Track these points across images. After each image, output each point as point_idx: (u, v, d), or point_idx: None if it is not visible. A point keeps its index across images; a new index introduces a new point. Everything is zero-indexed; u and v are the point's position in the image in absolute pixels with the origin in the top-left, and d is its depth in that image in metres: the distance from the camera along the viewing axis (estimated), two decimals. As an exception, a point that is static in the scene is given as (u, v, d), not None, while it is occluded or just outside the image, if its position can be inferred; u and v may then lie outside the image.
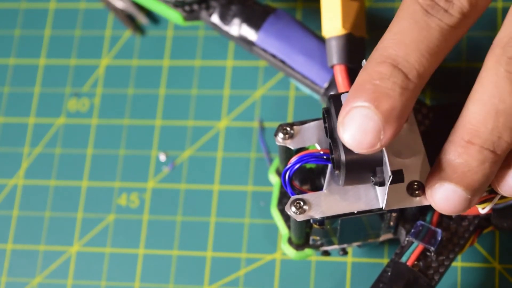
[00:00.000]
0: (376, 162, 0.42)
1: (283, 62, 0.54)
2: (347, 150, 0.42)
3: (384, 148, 0.42)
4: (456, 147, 0.42)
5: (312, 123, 0.47)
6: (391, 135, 0.40)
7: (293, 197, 0.45)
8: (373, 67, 0.41)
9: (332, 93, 0.48)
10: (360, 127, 0.40)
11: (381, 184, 0.43)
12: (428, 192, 0.43)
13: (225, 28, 0.55)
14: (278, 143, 0.47)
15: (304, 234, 0.50)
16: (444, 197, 0.42)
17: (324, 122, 0.45)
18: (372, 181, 0.43)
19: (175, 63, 0.61)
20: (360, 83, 0.41)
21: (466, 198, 0.42)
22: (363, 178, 0.43)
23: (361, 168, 0.43)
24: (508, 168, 0.43)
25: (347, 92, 0.44)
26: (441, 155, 0.43)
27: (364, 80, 0.41)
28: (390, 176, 0.41)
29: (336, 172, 0.44)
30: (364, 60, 0.44)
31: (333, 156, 0.44)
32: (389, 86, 0.40)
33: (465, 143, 0.41)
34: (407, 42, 0.41)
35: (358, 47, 0.51)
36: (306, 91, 0.55)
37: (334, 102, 0.44)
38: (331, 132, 0.44)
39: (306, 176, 0.49)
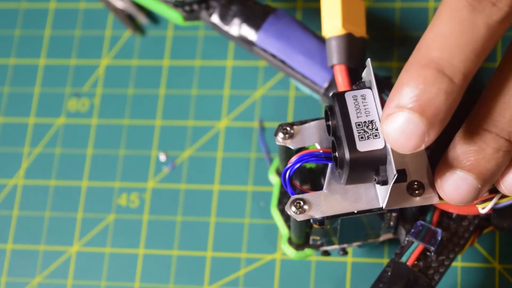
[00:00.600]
0: (380, 160, 0.42)
1: (283, 62, 0.54)
2: (352, 149, 0.42)
3: (389, 147, 0.42)
4: (471, 134, 0.41)
5: (312, 123, 0.47)
6: (436, 135, 0.40)
7: (293, 197, 0.45)
8: (417, 70, 0.40)
9: (333, 92, 0.48)
10: (404, 131, 0.40)
11: (384, 183, 0.43)
12: (438, 181, 0.43)
13: (225, 28, 0.55)
14: (278, 143, 0.47)
15: (304, 234, 0.50)
16: (454, 185, 0.42)
17: (327, 120, 0.45)
18: (375, 180, 0.43)
19: (175, 63, 0.61)
20: (402, 84, 0.40)
21: (476, 187, 0.42)
22: (365, 177, 0.43)
23: (365, 167, 0.43)
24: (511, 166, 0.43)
25: (351, 90, 0.44)
26: (455, 143, 0.42)
27: (409, 82, 0.40)
28: (395, 175, 0.41)
29: (338, 171, 0.44)
30: (368, 59, 0.44)
31: (335, 154, 0.44)
32: (434, 92, 0.39)
33: (482, 130, 0.41)
34: (452, 45, 0.40)
35: (358, 47, 0.51)
36: (306, 91, 0.55)
37: (338, 100, 0.43)
38: (334, 130, 0.44)
39: (306, 176, 0.49)
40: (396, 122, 0.40)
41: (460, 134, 0.42)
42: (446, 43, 0.40)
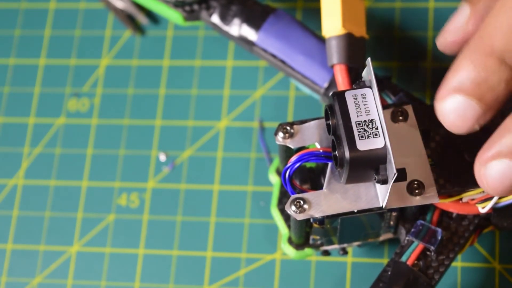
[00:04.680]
0: (380, 160, 0.42)
1: (283, 62, 0.54)
2: (352, 147, 0.42)
3: (389, 146, 0.42)
4: None
5: (312, 122, 0.47)
6: (491, 118, 0.41)
7: (293, 196, 0.45)
8: (480, 58, 0.41)
9: (333, 91, 0.48)
10: (461, 114, 0.41)
11: (384, 182, 0.43)
12: (481, 170, 0.42)
13: (225, 28, 0.55)
14: (278, 142, 0.47)
15: (304, 234, 0.50)
16: (500, 173, 0.41)
17: (327, 119, 0.45)
18: (375, 179, 0.43)
19: (175, 63, 0.61)
20: (463, 68, 0.41)
21: None
22: (365, 176, 0.43)
23: (365, 166, 0.43)
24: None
25: (351, 89, 0.44)
26: (501, 130, 0.42)
27: (469, 67, 0.41)
28: (395, 174, 0.41)
29: (338, 170, 0.44)
30: (369, 58, 0.44)
31: (335, 153, 0.44)
32: (495, 81, 0.40)
33: None
34: None
35: (358, 47, 0.51)
36: (306, 91, 0.55)
37: (338, 99, 0.44)
38: (334, 129, 0.44)
39: (306, 175, 0.49)
40: (453, 104, 0.41)
41: (509, 120, 0.41)
42: (509, 33, 0.40)
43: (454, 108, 0.41)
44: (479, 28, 0.42)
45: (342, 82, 0.50)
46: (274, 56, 0.54)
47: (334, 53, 0.50)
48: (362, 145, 0.42)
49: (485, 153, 0.41)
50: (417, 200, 0.44)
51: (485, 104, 0.41)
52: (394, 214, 0.48)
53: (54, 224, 0.58)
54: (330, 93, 0.45)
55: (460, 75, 0.41)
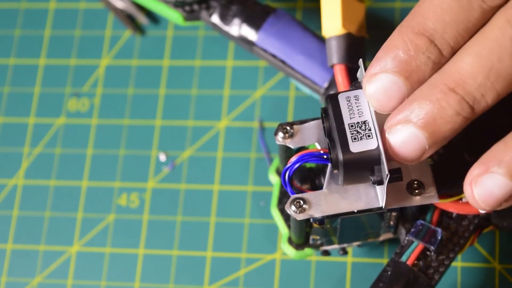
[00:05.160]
0: (374, 161, 0.42)
1: (283, 62, 0.54)
2: (345, 150, 0.42)
3: (381, 147, 0.42)
4: (435, 91, 0.41)
5: (312, 123, 0.47)
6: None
7: (293, 196, 0.45)
8: (410, 35, 0.41)
9: (331, 92, 0.48)
10: (387, 92, 0.41)
11: (380, 183, 0.43)
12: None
13: (225, 28, 0.55)
14: (278, 142, 0.47)
15: (304, 234, 0.50)
16: (401, 140, 0.41)
17: (323, 122, 0.45)
18: (371, 180, 0.43)
19: (175, 63, 0.61)
20: (393, 46, 0.41)
21: (422, 142, 0.41)
22: (362, 177, 0.43)
23: (359, 167, 0.43)
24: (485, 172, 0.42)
25: (344, 91, 0.44)
26: (412, 96, 0.42)
27: (399, 45, 0.41)
28: (387, 175, 0.41)
29: (335, 171, 0.44)
30: (361, 59, 0.44)
31: (331, 156, 0.44)
32: (423, 61, 0.41)
33: (447, 89, 0.41)
34: (447, 20, 0.41)
35: (358, 47, 0.51)
36: (306, 91, 0.55)
37: (332, 102, 0.44)
38: (329, 132, 0.44)
39: (306, 176, 0.49)
40: (380, 82, 0.41)
41: (423, 88, 0.41)
42: (442, 17, 0.41)
43: (380, 86, 0.41)
44: (414, 7, 0.42)
45: (342, 82, 0.50)
46: (274, 56, 0.54)
47: (334, 53, 0.50)
48: (355, 147, 0.42)
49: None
50: (417, 200, 0.44)
51: (411, 83, 0.41)
52: (394, 214, 0.48)
53: (54, 224, 0.58)
54: (325, 96, 0.45)
55: (389, 53, 0.41)
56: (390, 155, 0.42)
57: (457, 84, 0.41)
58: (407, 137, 0.41)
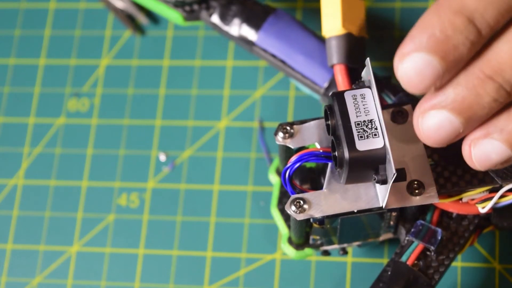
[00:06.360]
0: (379, 160, 0.42)
1: (283, 62, 0.54)
2: (351, 148, 0.42)
3: (388, 146, 0.42)
4: (472, 78, 0.40)
5: (312, 122, 0.47)
6: (448, 81, 0.40)
7: (293, 196, 0.45)
8: (448, 15, 0.40)
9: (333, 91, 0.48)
10: (420, 72, 0.40)
11: (384, 182, 0.43)
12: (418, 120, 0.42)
13: (225, 28, 0.55)
14: (278, 142, 0.47)
15: (304, 234, 0.50)
16: (434, 125, 0.41)
17: (326, 120, 0.45)
18: (374, 179, 0.43)
19: (175, 63, 0.61)
20: (429, 24, 0.40)
21: (457, 128, 0.41)
22: (364, 176, 0.43)
23: (364, 166, 0.43)
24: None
25: (350, 89, 0.44)
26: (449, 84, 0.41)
27: (435, 24, 0.40)
28: (394, 174, 0.41)
29: (338, 170, 0.44)
30: (368, 58, 0.44)
31: (335, 153, 0.44)
32: (460, 41, 0.39)
33: (485, 76, 0.40)
34: None
35: (358, 47, 0.51)
36: (306, 91, 0.55)
37: (338, 100, 0.44)
38: (333, 130, 0.44)
39: (306, 175, 0.49)
40: (413, 62, 0.40)
41: (460, 76, 0.41)
42: None
43: (414, 65, 0.40)
44: None
45: (342, 82, 0.50)
46: (274, 56, 0.54)
47: (334, 53, 0.50)
48: (362, 145, 0.42)
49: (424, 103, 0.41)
50: (417, 200, 0.44)
51: (447, 63, 0.40)
52: (394, 214, 0.48)
53: (54, 224, 0.58)
54: (330, 93, 0.45)
55: (425, 32, 0.40)
56: (422, 138, 0.42)
57: (494, 72, 0.40)
58: (442, 122, 0.41)
